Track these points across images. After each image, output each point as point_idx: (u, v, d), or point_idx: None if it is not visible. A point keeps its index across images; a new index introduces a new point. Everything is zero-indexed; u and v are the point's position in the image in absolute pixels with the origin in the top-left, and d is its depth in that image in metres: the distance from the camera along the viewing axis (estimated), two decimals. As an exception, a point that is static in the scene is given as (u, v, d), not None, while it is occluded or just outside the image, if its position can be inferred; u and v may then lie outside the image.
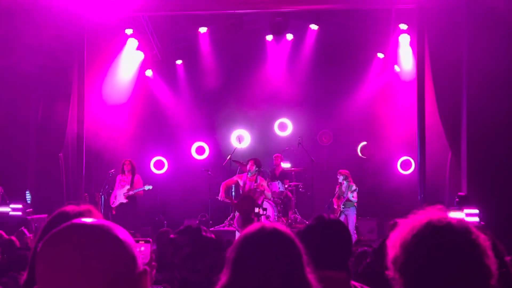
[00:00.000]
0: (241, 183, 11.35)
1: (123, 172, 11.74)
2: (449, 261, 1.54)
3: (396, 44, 12.74)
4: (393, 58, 13.13)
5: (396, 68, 13.17)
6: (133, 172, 11.72)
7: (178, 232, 2.67)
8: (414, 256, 1.58)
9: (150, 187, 11.71)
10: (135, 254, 1.34)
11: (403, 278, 1.59)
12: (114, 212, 11.62)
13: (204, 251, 2.44)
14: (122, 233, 1.34)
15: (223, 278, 1.86)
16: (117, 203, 11.59)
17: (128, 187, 11.54)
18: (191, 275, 1.17)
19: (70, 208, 2.15)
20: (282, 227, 1.94)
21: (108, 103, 12.98)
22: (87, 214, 2.11)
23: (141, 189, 11.61)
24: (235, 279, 1.83)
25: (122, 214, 11.37)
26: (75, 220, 1.37)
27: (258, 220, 11.06)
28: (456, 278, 1.53)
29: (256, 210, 11.24)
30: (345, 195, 11.39)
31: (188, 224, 3.35)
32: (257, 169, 11.26)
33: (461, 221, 1.64)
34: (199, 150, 14.98)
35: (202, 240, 2.60)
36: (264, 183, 11.49)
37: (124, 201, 11.52)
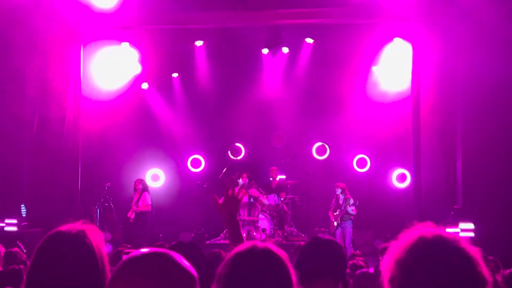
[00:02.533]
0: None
1: (135, 190, 12.12)
2: (445, 273, 1.56)
3: (390, 57, 12.82)
4: (387, 71, 13.19)
5: (391, 81, 13.23)
6: (142, 190, 12.07)
7: (171, 247, 2.67)
8: (411, 272, 1.59)
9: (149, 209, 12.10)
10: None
11: None
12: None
13: (195, 266, 2.45)
14: (182, 259, 1.50)
15: None
16: (132, 219, 12.07)
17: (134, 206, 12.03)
18: None
19: (66, 227, 2.10)
20: (274, 247, 1.96)
21: (102, 100, 12.97)
22: (84, 233, 2.09)
23: (140, 210, 11.97)
24: None
25: (131, 229, 12.17)
26: (135, 253, 1.51)
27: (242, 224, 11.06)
28: None
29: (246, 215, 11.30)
30: (342, 208, 11.39)
31: (180, 240, 3.37)
32: (248, 181, 11.45)
33: (450, 233, 1.67)
34: (195, 163, 14.97)
35: (192, 256, 2.60)
36: (257, 192, 11.59)
37: (132, 216, 12.01)
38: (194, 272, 1.50)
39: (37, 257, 2.04)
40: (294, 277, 1.91)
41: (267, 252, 1.92)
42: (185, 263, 1.50)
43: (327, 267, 2.82)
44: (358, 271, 4.17)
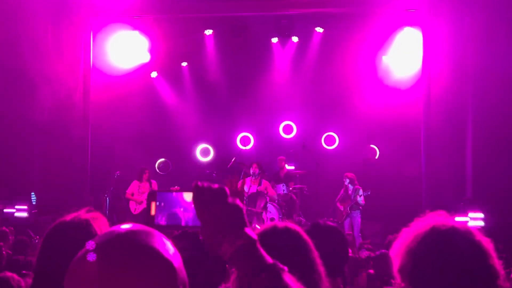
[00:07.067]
0: (246, 188, 11.44)
1: (140, 179, 11.71)
2: (457, 265, 1.56)
3: (400, 46, 12.73)
4: (398, 61, 13.09)
5: (401, 70, 13.14)
6: (149, 179, 11.80)
7: (175, 237, 2.65)
8: (422, 262, 1.59)
9: (177, 188, 11.88)
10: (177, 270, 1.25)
11: (413, 285, 1.60)
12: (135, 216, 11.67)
13: (203, 255, 2.46)
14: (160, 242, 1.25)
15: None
16: (140, 209, 11.62)
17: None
18: (190, 279, 1.19)
19: (70, 217, 2.07)
20: (292, 225, 1.99)
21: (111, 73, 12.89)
22: (88, 222, 2.05)
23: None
24: None
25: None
26: (115, 228, 1.26)
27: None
28: (464, 280, 1.55)
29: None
30: (352, 198, 11.41)
31: (184, 230, 3.34)
32: (260, 172, 11.40)
33: (464, 224, 1.65)
34: (204, 152, 14.99)
35: (200, 245, 2.60)
36: (269, 185, 11.55)
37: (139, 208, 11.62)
38: (174, 261, 1.24)
39: (43, 248, 2.03)
40: (315, 250, 1.93)
41: (287, 230, 1.98)
42: (167, 248, 1.24)
43: (327, 257, 2.68)
44: (377, 252, 4.16)
